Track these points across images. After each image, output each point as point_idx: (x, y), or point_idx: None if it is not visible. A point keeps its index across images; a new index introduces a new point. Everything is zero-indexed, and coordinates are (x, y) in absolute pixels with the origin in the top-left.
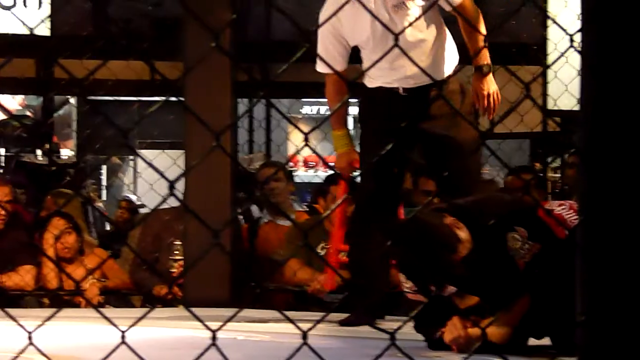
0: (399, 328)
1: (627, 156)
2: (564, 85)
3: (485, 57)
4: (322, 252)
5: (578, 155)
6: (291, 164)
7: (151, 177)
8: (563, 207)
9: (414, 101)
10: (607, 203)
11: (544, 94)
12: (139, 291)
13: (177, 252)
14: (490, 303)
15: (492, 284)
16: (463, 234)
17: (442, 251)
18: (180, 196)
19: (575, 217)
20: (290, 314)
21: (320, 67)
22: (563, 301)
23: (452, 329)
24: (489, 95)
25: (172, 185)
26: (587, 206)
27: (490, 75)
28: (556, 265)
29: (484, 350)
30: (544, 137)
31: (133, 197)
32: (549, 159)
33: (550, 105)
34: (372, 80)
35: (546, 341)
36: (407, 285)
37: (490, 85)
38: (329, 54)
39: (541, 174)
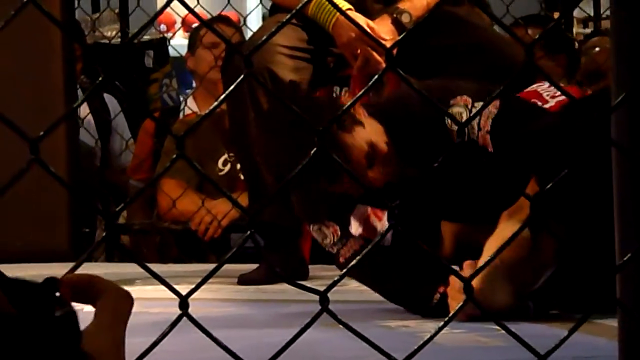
0: (333, 285)
1: None
2: None
3: (414, 7)
4: (225, 169)
5: None
6: (162, 27)
7: None
8: (549, 88)
9: None
10: None
11: None
12: None
13: None
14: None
15: (456, 198)
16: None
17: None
18: None
19: (558, 95)
20: (168, 268)
21: None
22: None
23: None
24: (375, 49)
25: None
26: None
27: (394, 29)
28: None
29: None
30: None
31: None
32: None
33: None
34: None
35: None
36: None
37: (387, 34)
38: None
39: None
